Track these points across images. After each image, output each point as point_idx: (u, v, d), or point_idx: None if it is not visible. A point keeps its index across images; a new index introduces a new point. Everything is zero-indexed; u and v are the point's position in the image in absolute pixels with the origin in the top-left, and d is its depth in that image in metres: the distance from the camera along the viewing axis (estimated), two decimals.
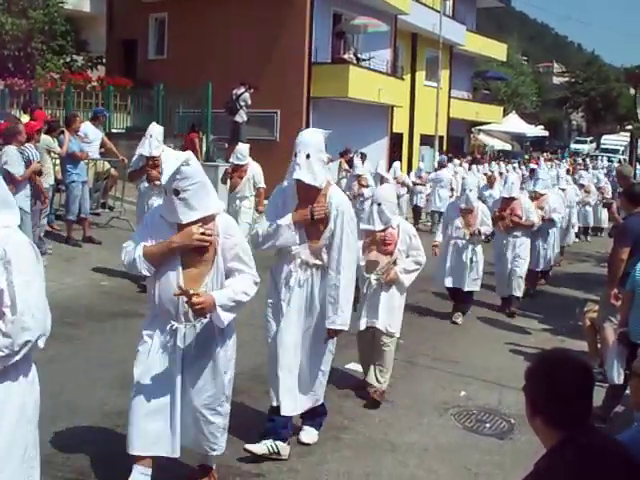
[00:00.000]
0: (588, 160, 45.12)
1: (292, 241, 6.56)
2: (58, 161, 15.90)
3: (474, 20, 49.56)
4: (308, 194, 6.53)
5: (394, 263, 8.32)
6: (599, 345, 9.20)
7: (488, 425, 7.80)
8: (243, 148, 15.67)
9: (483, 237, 12.63)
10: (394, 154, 34.62)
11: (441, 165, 27.56)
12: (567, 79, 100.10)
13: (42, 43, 27.07)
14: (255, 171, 15.85)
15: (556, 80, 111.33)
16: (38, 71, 26.60)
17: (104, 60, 31.67)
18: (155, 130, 12.14)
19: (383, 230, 8.39)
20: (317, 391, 6.96)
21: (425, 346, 10.58)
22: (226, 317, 5.44)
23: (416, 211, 25.95)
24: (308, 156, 6.41)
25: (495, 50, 50.37)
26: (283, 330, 6.70)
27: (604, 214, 24.87)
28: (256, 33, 27.84)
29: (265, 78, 26.25)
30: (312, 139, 6.59)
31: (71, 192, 15.30)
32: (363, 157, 26.53)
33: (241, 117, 23.21)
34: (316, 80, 28.61)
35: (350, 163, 23.82)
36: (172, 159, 5.41)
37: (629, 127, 42.15)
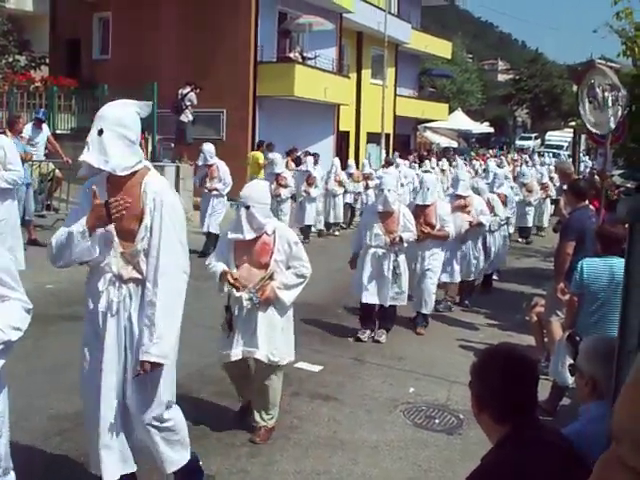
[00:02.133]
0: (536, 157, 45.28)
1: (87, 253, 5.01)
2: None
3: (419, 18, 49.84)
4: (119, 185, 5.10)
5: (270, 278, 6.92)
6: (546, 339, 9.30)
7: (437, 421, 7.83)
8: (210, 148, 16.61)
9: (405, 244, 10.71)
10: (341, 152, 34.66)
11: (389, 163, 27.60)
12: (512, 76, 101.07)
13: None
14: (223, 169, 16.63)
15: (501, 77, 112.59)
16: None
17: (47, 60, 31.28)
18: None
19: (255, 239, 6.93)
20: (162, 450, 5.40)
21: (373, 343, 10.60)
22: None
23: (349, 211, 25.25)
24: (101, 132, 4.91)
25: (440, 48, 50.70)
26: (99, 374, 5.14)
27: (546, 213, 24.47)
28: (201, 32, 27.72)
29: (211, 77, 26.16)
30: (111, 111, 5.08)
31: (23, 193, 15.10)
32: (316, 157, 26.52)
33: (187, 117, 23.08)
34: (262, 79, 28.57)
35: (297, 162, 23.79)
36: None
37: (572, 123, 42.58)
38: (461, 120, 59.26)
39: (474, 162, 39.17)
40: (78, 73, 30.17)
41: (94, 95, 25.31)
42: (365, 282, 10.68)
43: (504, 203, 15.44)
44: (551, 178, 26.31)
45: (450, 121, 55.85)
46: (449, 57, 55.34)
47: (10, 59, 28.29)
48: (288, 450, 6.85)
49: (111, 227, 5.04)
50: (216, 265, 7.03)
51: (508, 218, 16.07)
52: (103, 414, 5.11)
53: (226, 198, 17.45)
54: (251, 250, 6.96)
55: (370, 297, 10.73)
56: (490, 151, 56.96)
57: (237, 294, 6.93)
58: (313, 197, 21.33)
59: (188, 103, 23.06)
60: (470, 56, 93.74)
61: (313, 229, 22.14)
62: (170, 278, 5.02)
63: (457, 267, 12.94)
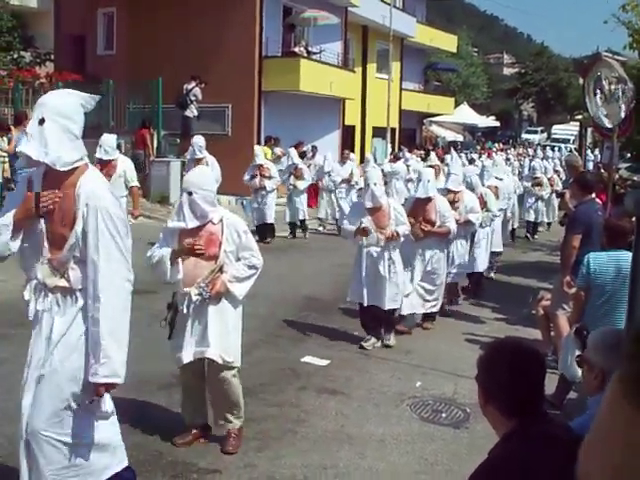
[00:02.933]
0: (539, 150, 45.01)
1: (3, 248, 4.69)
2: (7, 159, 15.73)
3: (424, 12, 49.79)
4: (56, 182, 4.71)
5: (220, 270, 6.44)
6: (552, 333, 9.29)
7: (444, 415, 7.82)
8: (199, 141, 16.29)
9: (402, 238, 10.10)
10: (346, 147, 34.64)
11: (397, 158, 27.56)
12: (517, 70, 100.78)
13: None
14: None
15: (506, 71, 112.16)
16: None
17: (52, 56, 31.30)
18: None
19: (200, 227, 6.44)
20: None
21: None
22: None
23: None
24: (42, 121, 4.57)
25: (445, 42, 50.61)
26: (23, 390, 4.91)
27: (553, 207, 23.59)
28: (206, 27, 27.66)
29: (216, 72, 26.10)
30: (53, 100, 4.79)
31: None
32: (314, 150, 26.49)
33: (192, 112, 23.10)
34: (267, 74, 28.52)
35: (302, 156, 23.75)
36: None
37: (579, 117, 42.58)
38: (467, 114, 59.14)
39: (477, 155, 38.99)
40: (83, 69, 30.15)
41: (99, 90, 25.30)
42: (363, 284, 10.01)
43: (496, 195, 14.66)
44: (556, 172, 25.80)
45: (456, 115, 55.73)
46: (454, 51, 55.21)
47: (15, 55, 28.35)
48: (295, 444, 6.86)
49: (42, 227, 4.70)
50: (159, 251, 6.43)
51: (503, 210, 15.71)
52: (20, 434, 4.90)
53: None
54: (197, 241, 6.41)
55: (370, 300, 10.03)
56: (496, 145, 56.89)
57: (185, 289, 6.41)
58: (301, 190, 20.47)
59: (193, 98, 23.08)
60: (475, 50, 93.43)
61: (320, 225, 21.99)
62: (112, 291, 4.61)
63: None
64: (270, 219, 18.97)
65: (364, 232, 9.81)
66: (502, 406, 3.29)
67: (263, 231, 18.76)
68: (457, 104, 56.66)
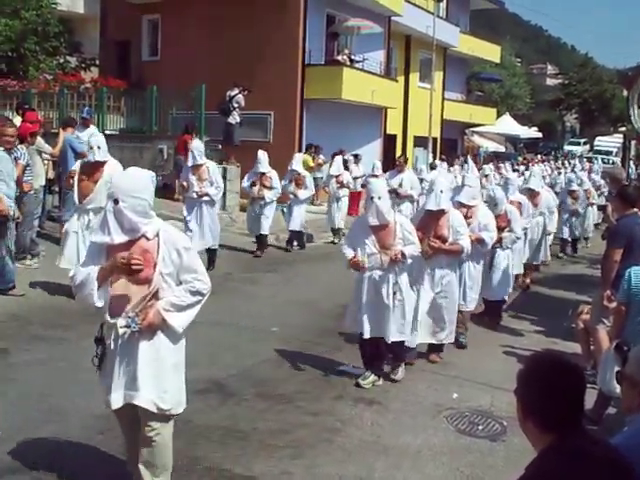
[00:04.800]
0: (577, 162, 44.08)
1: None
2: (51, 163, 15.91)
3: (467, 22, 49.62)
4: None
5: (155, 296, 5.32)
6: (592, 347, 9.21)
7: (481, 427, 7.77)
8: (199, 145, 15.31)
9: (409, 260, 8.87)
10: (388, 156, 34.60)
11: (432, 167, 27.50)
12: (560, 81, 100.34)
13: (35, 44, 27.10)
14: (214, 171, 14.96)
15: (549, 82, 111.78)
16: (31, 72, 26.65)
17: (97, 62, 31.63)
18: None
19: (130, 243, 5.31)
20: None
21: (417, 348, 10.56)
22: None
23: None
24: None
25: (489, 52, 50.41)
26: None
27: (588, 221, 22.26)
28: (250, 35, 27.77)
29: (259, 80, 26.21)
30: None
31: (67, 193, 15.23)
32: (357, 158, 26.49)
33: (234, 119, 23.18)
34: (310, 82, 28.60)
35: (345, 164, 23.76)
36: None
37: (622, 129, 42.26)
38: (509, 124, 58.84)
39: (520, 167, 38.68)
40: (127, 74, 30.46)
41: (143, 96, 25.57)
42: (363, 312, 8.81)
43: (519, 212, 13.06)
44: (597, 186, 24.90)
45: (498, 125, 55.45)
46: (498, 61, 55.01)
47: (61, 60, 28.78)
48: (331, 453, 6.85)
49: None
50: (83, 270, 5.39)
51: (525, 229, 14.05)
52: None
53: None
54: (125, 261, 5.27)
55: (373, 331, 8.82)
56: (538, 156, 56.53)
57: (111, 320, 5.36)
58: (301, 200, 19.05)
59: (236, 105, 23.16)
60: (519, 60, 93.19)
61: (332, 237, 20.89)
62: None
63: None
64: (265, 230, 17.88)
65: (356, 266, 8.73)
66: (540, 421, 3.27)
67: (262, 241, 17.96)
68: (499, 114, 56.45)
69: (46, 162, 15.66)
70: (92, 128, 17.76)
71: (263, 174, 17.57)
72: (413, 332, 9.35)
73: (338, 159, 22.18)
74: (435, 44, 37.41)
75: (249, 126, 25.07)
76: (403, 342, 9.11)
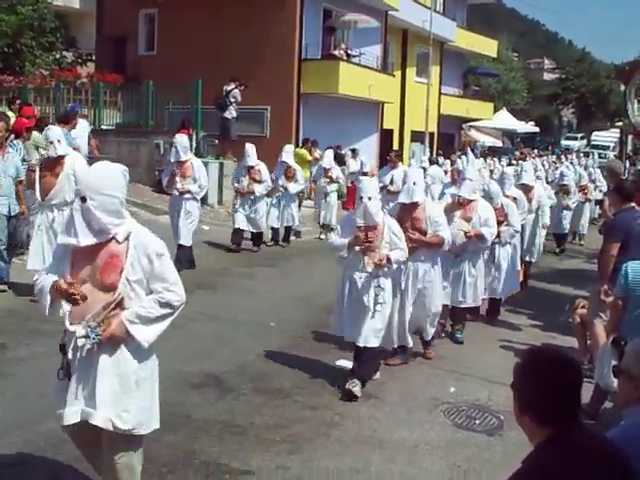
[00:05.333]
0: (574, 157, 43.73)
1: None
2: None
3: (464, 16, 49.66)
4: None
5: (119, 305, 4.86)
6: (589, 341, 9.21)
7: (478, 421, 7.78)
8: (184, 141, 14.46)
9: (394, 266, 8.45)
10: (385, 150, 34.62)
11: (432, 162, 27.49)
12: (558, 75, 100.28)
13: (31, 39, 27.13)
14: (199, 167, 14.34)
15: (547, 76, 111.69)
16: (27, 68, 26.66)
17: (93, 56, 31.63)
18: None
19: (99, 246, 4.87)
20: None
21: (414, 342, 10.55)
22: None
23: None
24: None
25: (486, 46, 50.48)
26: None
27: (584, 218, 21.74)
28: (246, 29, 27.79)
29: (255, 74, 26.20)
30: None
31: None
32: (355, 153, 26.48)
33: (231, 113, 23.17)
34: (306, 76, 28.61)
35: (341, 159, 23.74)
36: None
37: (619, 123, 42.32)
38: (506, 119, 58.78)
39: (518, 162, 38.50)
40: (124, 69, 30.47)
41: (140, 91, 25.56)
42: (344, 315, 8.53)
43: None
44: (592, 180, 23.81)
45: (495, 120, 55.43)
46: (494, 55, 55.06)
47: (57, 55, 28.80)
48: (328, 447, 6.85)
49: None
50: (44, 279, 5.01)
51: (522, 225, 13.33)
52: None
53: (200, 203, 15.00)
54: (94, 263, 4.88)
55: (352, 333, 8.46)
56: (535, 151, 56.50)
57: (71, 328, 4.88)
58: (292, 194, 18.44)
59: (232, 100, 23.16)
60: (516, 54, 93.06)
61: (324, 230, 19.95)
62: None
63: (448, 287, 10.44)
64: (263, 227, 17.52)
65: (358, 240, 8.25)
66: (537, 415, 3.27)
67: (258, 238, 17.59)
68: (496, 109, 56.39)
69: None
70: (82, 123, 17.64)
71: (252, 167, 16.98)
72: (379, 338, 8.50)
73: (329, 152, 21.79)
74: (432, 39, 37.50)
75: (246, 121, 25.07)
76: (375, 350, 8.47)
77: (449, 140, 48.32)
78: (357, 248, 8.29)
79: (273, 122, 28.52)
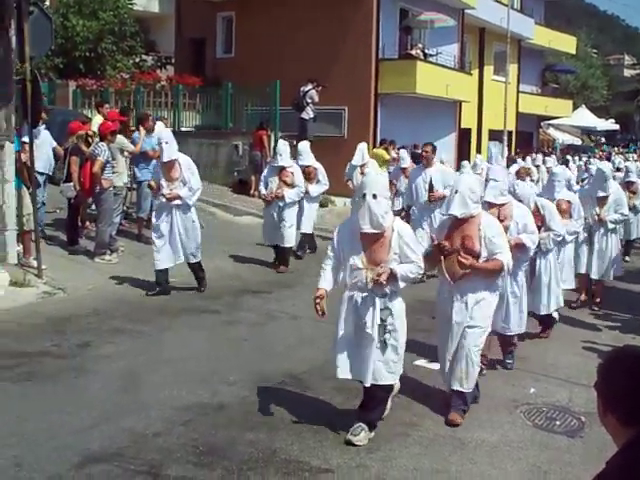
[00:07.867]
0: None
1: None
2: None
3: (542, 13, 49.03)
4: None
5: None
6: None
7: (558, 423, 7.71)
8: (168, 135, 12.13)
9: (402, 284, 6.84)
10: (463, 149, 34.42)
11: (512, 160, 27.17)
12: (638, 72, 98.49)
13: (112, 44, 27.68)
14: (188, 167, 12.11)
15: (627, 72, 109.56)
16: (108, 71, 27.22)
17: (173, 60, 32.09)
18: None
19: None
20: None
21: (494, 342, 10.50)
22: None
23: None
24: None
25: (564, 43, 49.76)
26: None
27: None
28: (323, 30, 27.84)
29: (332, 75, 26.29)
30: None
31: (142, 190, 15.49)
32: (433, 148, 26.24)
33: (308, 114, 23.32)
34: (383, 76, 28.55)
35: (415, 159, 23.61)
36: None
37: None
38: (585, 117, 57.87)
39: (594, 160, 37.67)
40: (202, 72, 30.78)
41: (218, 93, 25.87)
42: (340, 346, 6.99)
43: (566, 213, 11.40)
44: None
45: (574, 118, 54.56)
46: (573, 52, 54.27)
47: (137, 59, 29.30)
48: (407, 447, 6.87)
49: None
50: None
51: (577, 233, 12.03)
52: None
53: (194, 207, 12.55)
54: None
55: (353, 370, 6.97)
56: (615, 148, 55.57)
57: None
58: (313, 196, 16.12)
59: (309, 100, 23.30)
60: (595, 51, 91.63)
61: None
62: None
63: None
64: (290, 242, 15.07)
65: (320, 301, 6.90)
66: (622, 415, 3.25)
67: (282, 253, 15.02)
68: (575, 107, 55.59)
69: (129, 160, 15.92)
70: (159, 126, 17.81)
71: (284, 168, 14.62)
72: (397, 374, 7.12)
73: (404, 152, 20.56)
74: (509, 36, 37.05)
75: (323, 121, 25.17)
76: (387, 388, 7.12)
77: (527, 139, 47.77)
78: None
79: (350, 122, 28.48)
